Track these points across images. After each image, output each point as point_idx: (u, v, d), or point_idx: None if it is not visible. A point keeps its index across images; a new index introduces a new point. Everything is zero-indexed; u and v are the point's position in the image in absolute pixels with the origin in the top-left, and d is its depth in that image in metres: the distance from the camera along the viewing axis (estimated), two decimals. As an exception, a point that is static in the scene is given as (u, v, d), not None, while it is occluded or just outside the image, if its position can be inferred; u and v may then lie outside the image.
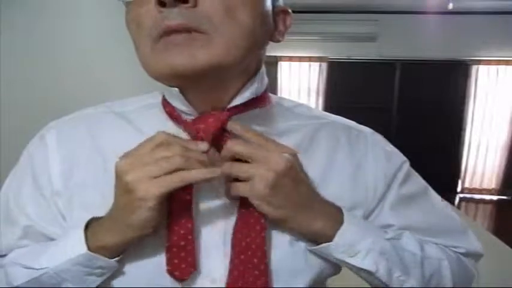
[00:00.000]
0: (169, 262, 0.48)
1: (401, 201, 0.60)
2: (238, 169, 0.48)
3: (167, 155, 0.44)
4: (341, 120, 0.64)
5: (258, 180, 0.47)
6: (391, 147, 0.63)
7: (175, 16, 0.43)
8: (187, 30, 0.44)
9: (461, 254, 0.63)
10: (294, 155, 0.50)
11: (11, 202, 0.55)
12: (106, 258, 0.48)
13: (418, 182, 0.64)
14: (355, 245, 0.52)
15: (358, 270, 0.54)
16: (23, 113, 1.63)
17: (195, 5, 0.43)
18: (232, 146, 0.48)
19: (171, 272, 0.48)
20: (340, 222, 0.52)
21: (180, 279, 0.48)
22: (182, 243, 0.48)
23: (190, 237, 0.48)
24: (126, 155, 0.46)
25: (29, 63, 1.73)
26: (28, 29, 1.73)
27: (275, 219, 0.50)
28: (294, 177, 0.49)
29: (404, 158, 0.63)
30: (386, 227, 0.59)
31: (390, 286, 0.54)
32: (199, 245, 0.50)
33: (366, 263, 0.52)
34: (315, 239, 0.53)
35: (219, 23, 0.44)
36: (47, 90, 1.82)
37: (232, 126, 0.50)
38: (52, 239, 0.54)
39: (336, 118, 0.64)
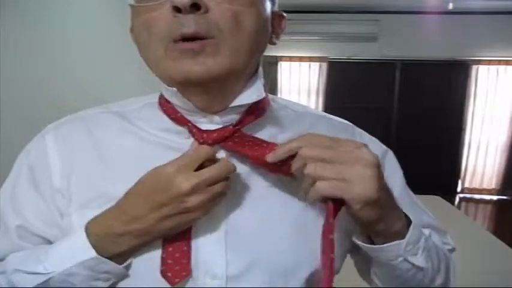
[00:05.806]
0: (163, 262, 0.48)
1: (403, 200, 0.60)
2: (330, 171, 0.44)
3: (219, 175, 0.46)
4: (335, 118, 0.65)
5: (364, 180, 0.44)
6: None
7: (191, 23, 0.44)
8: (200, 37, 0.45)
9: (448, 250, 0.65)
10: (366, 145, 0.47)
11: (5, 203, 0.55)
12: (115, 264, 0.48)
13: (403, 178, 0.64)
14: (417, 243, 0.52)
15: (407, 270, 0.53)
16: (23, 114, 1.64)
17: (206, 11, 0.45)
18: (307, 152, 0.45)
19: (164, 273, 0.48)
20: (403, 219, 0.51)
21: (171, 282, 0.48)
22: (178, 243, 0.49)
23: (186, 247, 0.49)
24: (179, 170, 0.45)
25: (29, 65, 1.73)
26: (28, 31, 1.73)
27: (370, 222, 0.47)
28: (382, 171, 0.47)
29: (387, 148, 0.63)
30: None
31: (429, 284, 0.55)
32: (200, 240, 0.50)
33: (421, 260, 0.52)
34: (375, 236, 0.51)
35: (226, 30, 0.46)
36: (47, 92, 1.82)
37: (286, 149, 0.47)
38: (49, 241, 0.53)
39: (330, 116, 0.65)
